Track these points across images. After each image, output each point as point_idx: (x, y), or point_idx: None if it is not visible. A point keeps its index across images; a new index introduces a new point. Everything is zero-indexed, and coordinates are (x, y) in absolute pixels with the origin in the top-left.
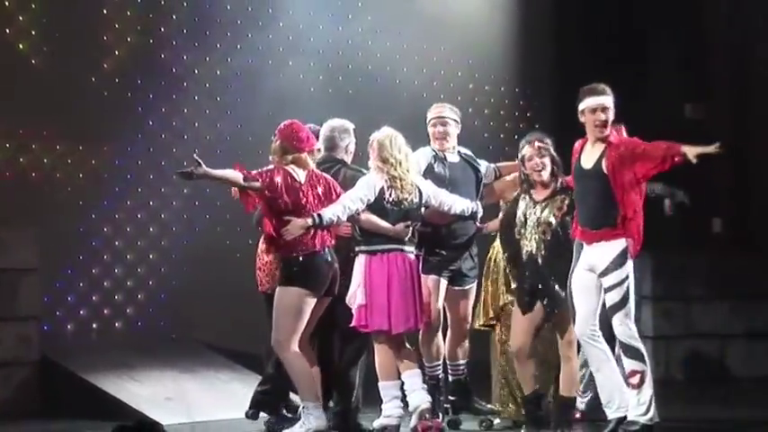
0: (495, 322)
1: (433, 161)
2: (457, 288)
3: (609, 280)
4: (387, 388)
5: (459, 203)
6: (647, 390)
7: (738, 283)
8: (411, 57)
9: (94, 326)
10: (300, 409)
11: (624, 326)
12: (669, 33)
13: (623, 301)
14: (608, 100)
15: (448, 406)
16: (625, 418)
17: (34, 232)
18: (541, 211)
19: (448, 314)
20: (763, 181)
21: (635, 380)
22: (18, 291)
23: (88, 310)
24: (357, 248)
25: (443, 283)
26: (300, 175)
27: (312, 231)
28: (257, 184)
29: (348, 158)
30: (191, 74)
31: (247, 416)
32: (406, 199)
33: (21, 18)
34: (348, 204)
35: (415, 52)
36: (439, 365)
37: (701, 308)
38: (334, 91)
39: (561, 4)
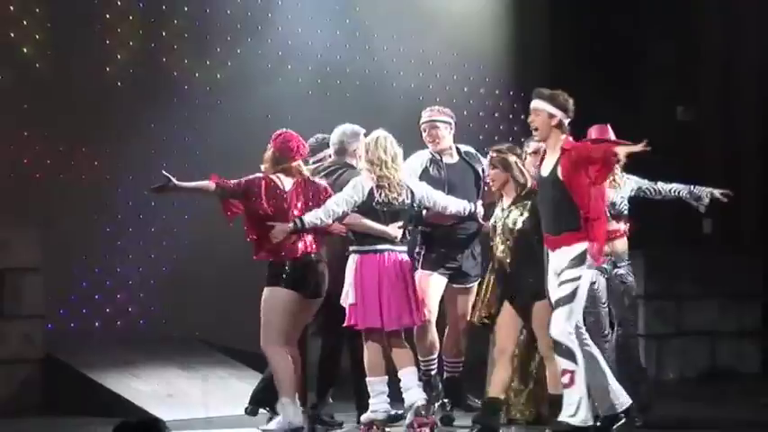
0: (487, 321)
1: (428, 164)
2: (457, 286)
3: (562, 276)
4: (374, 384)
5: (453, 204)
6: (578, 390)
7: (728, 282)
8: (407, 60)
9: (97, 324)
10: (277, 405)
11: (563, 324)
12: (661, 36)
13: (569, 297)
14: (538, 103)
15: (445, 401)
16: (617, 415)
17: (38, 232)
18: (506, 218)
19: (447, 311)
20: (753, 182)
21: (565, 379)
22: (22, 290)
23: (91, 308)
24: (350, 248)
25: (441, 279)
26: (286, 182)
27: (295, 235)
28: (231, 192)
29: (357, 163)
30: (191, 77)
31: (246, 412)
32: (396, 199)
33: (25, 22)
34: (332, 207)
35: (411, 56)
36: (433, 360)
37: (691, 306)
38: (331, 94)
39: (555, 9)
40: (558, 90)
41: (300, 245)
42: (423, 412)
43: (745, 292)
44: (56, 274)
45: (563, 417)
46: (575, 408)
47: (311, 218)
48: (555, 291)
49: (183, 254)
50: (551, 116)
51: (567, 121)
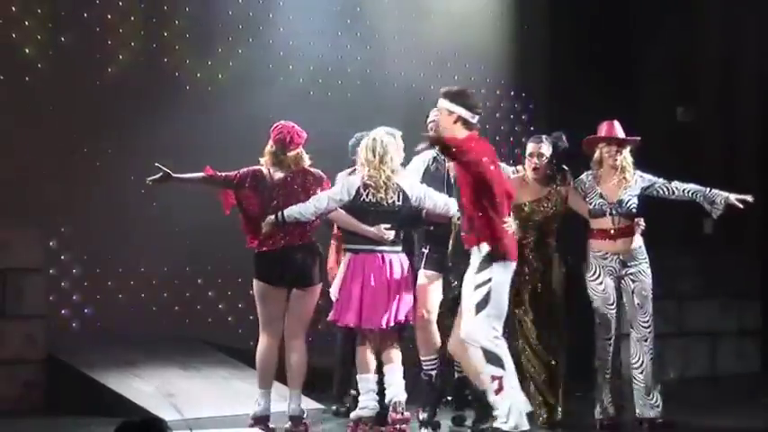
0: None
1: (430, 163)
2: None
3: (475, 280)
4: (363, 381)
5: (455, 205)
6: (508, 396)
7: (729, 281)
8: (409, 60)
9: (98, 324)
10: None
11: (485, 329)
12: (661, 36)
13: (484, 302)
14: (440, 102)
15: (448, 398)
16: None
17: (39, 233)
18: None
19: None
20: (753, 183)
21: (495, 385)
22: (24, 290)
23: (93, 308)
24: (343, 246)
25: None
26: (276, 175)
27: (281, 228)
28: (223, 182)
29: None
30: (193, 78)
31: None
32: (384, 199)
33: (27, 23)
34: (314, 203)
35: (412, 56)
36: (434, 359)
37: (692, 306)
38: (333, 94)
39: (556, 9)
40: (467, 88)
41: (284, 236)
42: (399, 408)
43: (745, 291)
44: (57, 275)
45: (497, 423)
46: (506, 414)
47: (291, 212)
48: (471, 294)
49: (184, 254)
50: (450, 113)
51: (473, 119)
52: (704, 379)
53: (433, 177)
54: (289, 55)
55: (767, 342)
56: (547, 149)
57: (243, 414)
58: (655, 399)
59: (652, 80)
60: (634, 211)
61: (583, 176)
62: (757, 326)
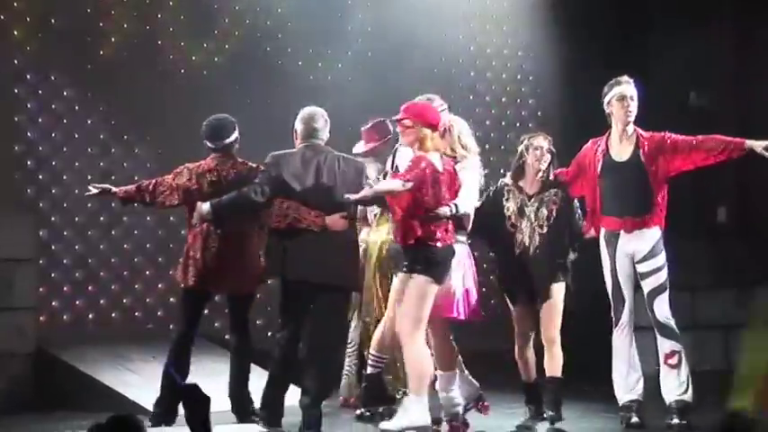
0: None
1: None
2: None
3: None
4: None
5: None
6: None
7: (743, 272)
8: (423, 45)
9: (90, 316)
10: None
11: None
12: (674, 19)
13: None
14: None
15: None
16: None
17: (30, 222)
18: None
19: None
20: (766, 170)
21: (673, 360)
22: (13, 281)
23: (84, 300)
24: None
25: None
26: None
27: None
28: None
29: None
30: (188, 61)
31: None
32: None
33: (15, 4)
34: None
35: (426, 41)
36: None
37: (705, 297)
38: (333, 78)
39: None
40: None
41: None
42: None
43: (759, 282)
44: (48, 266)
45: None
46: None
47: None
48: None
49: (178, 245)
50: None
51: None
52: (718, 372)
53: None
54: (287, 38)
55: None
56: None
57: None
58: None
59: (664, 63)
60: None
61: None
62: None
